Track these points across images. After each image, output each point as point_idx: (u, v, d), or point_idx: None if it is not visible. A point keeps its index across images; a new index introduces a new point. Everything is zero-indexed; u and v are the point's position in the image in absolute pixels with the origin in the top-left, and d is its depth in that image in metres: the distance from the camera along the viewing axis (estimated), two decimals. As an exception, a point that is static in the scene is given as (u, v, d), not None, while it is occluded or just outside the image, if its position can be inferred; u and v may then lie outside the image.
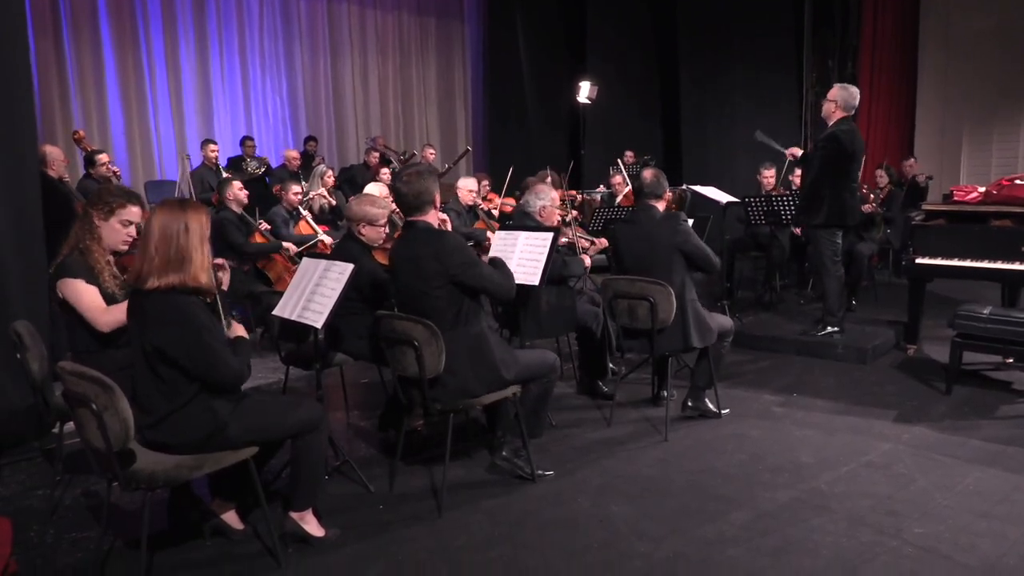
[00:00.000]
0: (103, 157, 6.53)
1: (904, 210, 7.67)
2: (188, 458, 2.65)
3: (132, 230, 3.26)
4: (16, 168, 4.09)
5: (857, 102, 5.25)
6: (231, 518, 3.06)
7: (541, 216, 4.44)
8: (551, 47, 12.42)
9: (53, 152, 5.93)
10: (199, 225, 2.64)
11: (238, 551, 2.97)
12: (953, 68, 10.17)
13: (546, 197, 4.47)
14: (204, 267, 2.64)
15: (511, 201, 7.68)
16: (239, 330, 2.89)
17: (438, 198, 3.46)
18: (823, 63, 10.59)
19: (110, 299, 3.12)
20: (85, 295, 3.07)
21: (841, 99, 5.18)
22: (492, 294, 3.41)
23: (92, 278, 3.10)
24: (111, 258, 3.22)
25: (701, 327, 4.10)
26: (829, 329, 5.55)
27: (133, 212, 3.23)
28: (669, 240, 4.09)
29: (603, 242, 5.07)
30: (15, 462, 3.89)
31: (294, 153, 8.99)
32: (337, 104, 10.88)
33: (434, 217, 3.45)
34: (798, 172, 7.51)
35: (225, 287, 2.98)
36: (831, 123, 5.25)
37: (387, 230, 4.16)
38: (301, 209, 6.51)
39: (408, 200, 3.38)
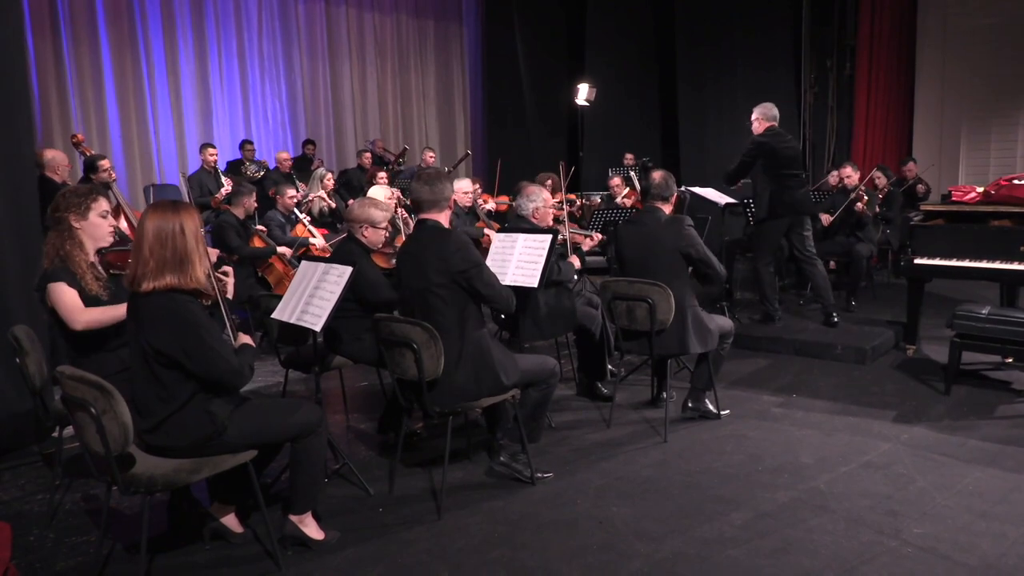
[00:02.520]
0: (105, 163, 6.54)
1: (903, 211, 7.69)
2: (187, 461, 2.65)
3: (111, 219, 3.29)
4: (15, 172, 4.10)
5: (776, 112, 5.85)
6: (231, 521, 3.05)
7: (535, 218, 4.44)
8: (549, 48, 12.43)
9: (56, 156, 5.94)
10: (194, 225, 2.64)
11: (237, 554, 2.97)
12: (951, 66, 10.18)
13: (538, 198, 4.46)
14: (203, 267, 2.64)
15: (505, 199, 7.70)
16: (245, 339, 2.89)
17: (453, 202, 3.49)
18: (821, 62, 10.61)
19: (94, 301, 3.14)
20: (64, 296, 3.10)
21: (761, 113, 5.84)
22: (491, 301, 3.38)
23: (74, 282, 3.13)
24: (94, 259, 3.26)
25: (701, 332, 4.09)
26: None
27: (105, 202, 3.29)
28: (673, 243, 4.09)
29: (598, 236, 5.07)
30: (15, 467, 3.89)
31: (285, 155, 9.02)
32: (336, 107, 10.90)
33: (445, 218, 3.47)
34: None
35: (230, 295, 2.99)
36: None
37: (388, 234, 4.16)
38: (298, 212, 6.52)
39: (425, 198, 3.41)
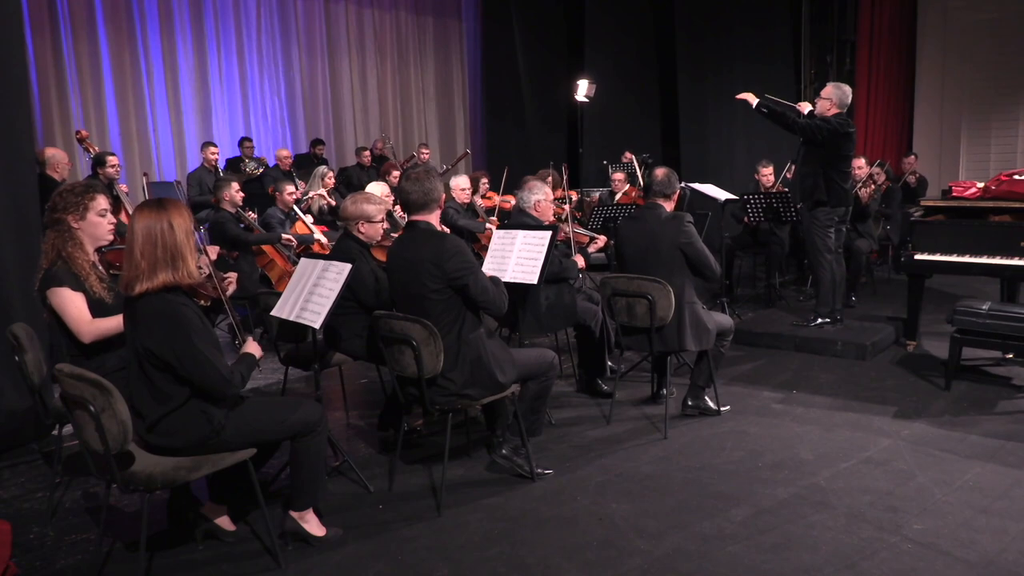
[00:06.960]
0: (113, 159, 6.55)
1: (902, 206, 7.67)
2: (186, 459, 2.65)
3: (110, 216, 3.24)
4: (15, 171, 4.09)
5: (850, 100, 5.41)
6: (223, 522, 3.05)
7: (536, 211, 4.44)
8: (548, 44, 12.42)
9: (56, 154, 5.94)
10: (183, 221, 2.61)
11: (238, 551, 2.97)
12: (951, 62, 10.16)
13: (540, 192, 4.46)
14: (195, 261, 2.64)
15: (510, 199, 7.68)
16: (251, 347, 2.88)
17: (443, 199, 3.47)
18: (821, 58, 10.59)
19: (100, 304, 3.09)
20: (70, 304, 3.03)
21: (836, 97, 5.35)
22: (484, 306, 3.34)
23: (78, 285, 3.07)
24: (95, 259, 3.20)
25: (698, 330, 4.09)
26: (820, 320, 5.64)
27: (103, 199, 3.21)
28: (673, 239, 4.09)
29: (602, 239, 5.06)
30: (14, 465, 3.89)
31: (286, 152, 9.00)
32: (335, 104, 10.88)
33: (436, 219, 3.45)
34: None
35: (230, 292, 2.98)
36: None
37: (386, 225, 4.14)
38: (296, 209, 6.52)
39: (414, 199, 3.38)
